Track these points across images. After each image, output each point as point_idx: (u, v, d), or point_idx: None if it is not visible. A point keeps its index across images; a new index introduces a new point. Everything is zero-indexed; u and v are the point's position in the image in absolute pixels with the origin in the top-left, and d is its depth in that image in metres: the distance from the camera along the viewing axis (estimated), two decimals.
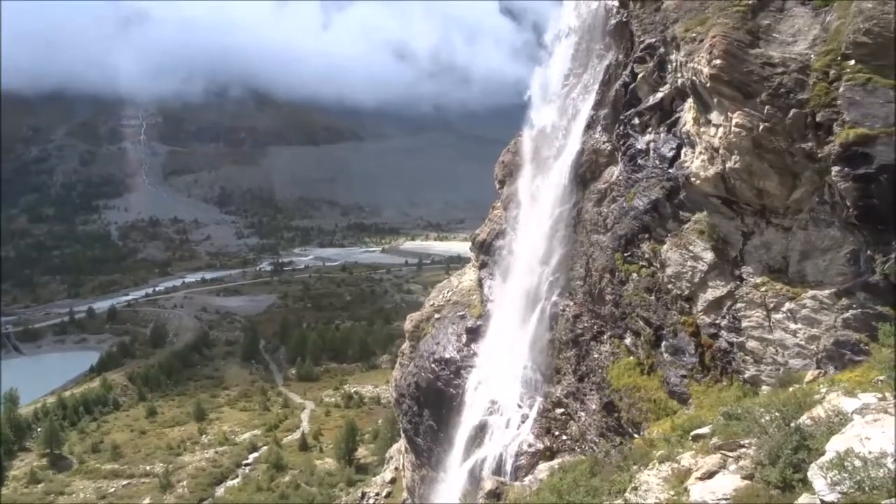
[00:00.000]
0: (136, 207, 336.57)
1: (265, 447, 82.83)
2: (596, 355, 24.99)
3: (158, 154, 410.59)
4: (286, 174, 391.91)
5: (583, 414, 25.36)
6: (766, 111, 16.69)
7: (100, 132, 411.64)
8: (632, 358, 23.06)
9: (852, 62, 15.77)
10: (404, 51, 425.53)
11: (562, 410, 26.80)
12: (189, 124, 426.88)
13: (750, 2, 18.11)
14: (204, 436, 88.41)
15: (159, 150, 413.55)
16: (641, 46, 22.11)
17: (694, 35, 18.76)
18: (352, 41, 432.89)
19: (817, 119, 15.98)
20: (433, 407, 34.42)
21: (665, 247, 21.02)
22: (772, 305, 17.70)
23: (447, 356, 34.02)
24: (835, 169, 15.52)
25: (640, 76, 22.31)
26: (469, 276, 40.04)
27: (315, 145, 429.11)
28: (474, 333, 33.74)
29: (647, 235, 22.00)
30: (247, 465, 78.51)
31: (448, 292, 40.41)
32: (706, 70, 17.68)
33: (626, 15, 23.65)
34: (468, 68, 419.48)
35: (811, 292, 16.81)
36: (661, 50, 21.12)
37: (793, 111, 16.35)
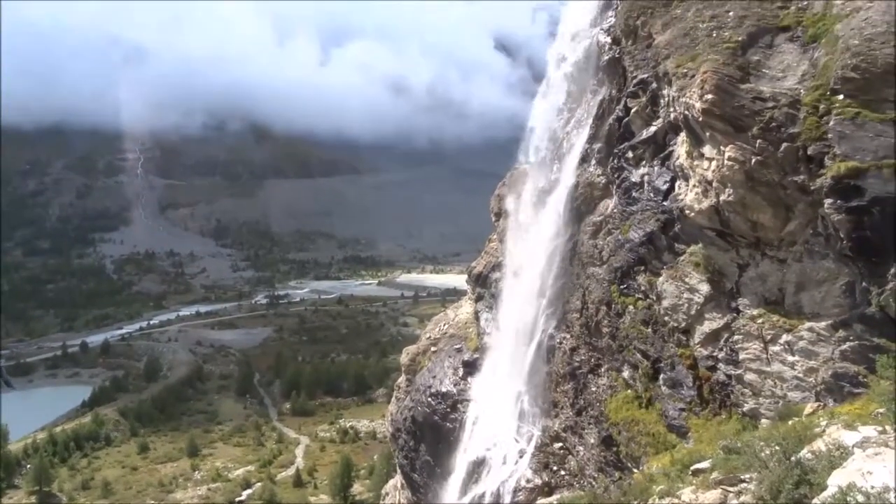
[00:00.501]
0: (132, 241, 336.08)
1: (259, 483, 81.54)
2: (594, 388, 24.80)
3: (155, 187, 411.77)
4: (283, 207, 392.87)
5: (581, 448, 25.06)
6: (757, 145, 16.91)
7: (97, 166, 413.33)
8: (630, 391, 22.88)
9: (841, 97, 16.06)
10: (401, 86, 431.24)
11: (560, 445, 26.49)
12: (187, 158, 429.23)
13: (739, 39, 18.50)
14: (197, 472, 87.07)
15: (156, 183, 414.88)
16: (634, 82, 22.45)
17: (685, 71, 19.09)
18: (350, 76, 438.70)
19: (809, 152, 16.19)
20: (430, 442, 34.00)
21: (661, 279, 21.05)
22: (769, 337, 17.67)
23: (444, 390, 33.72)
24: (827, 201, 15.67)
25: (633, 111, 22.61)
26: (465, 308, 39.94)
27: (311, 178, 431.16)
28: (471, 367, 33.51)
29: (642, 268, 22.04)
30: (240, 501, 77.20)
31: (444, 325, 40.25)
32: (698, 104, 17.95)
33: (618, 51, 24.08)
34: (464, 103, 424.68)
35: (808, 324, 16.81)
36: (654, 85, 21.45)
37: (784, 145, 16.57)
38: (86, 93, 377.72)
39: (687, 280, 20.05)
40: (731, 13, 19.58)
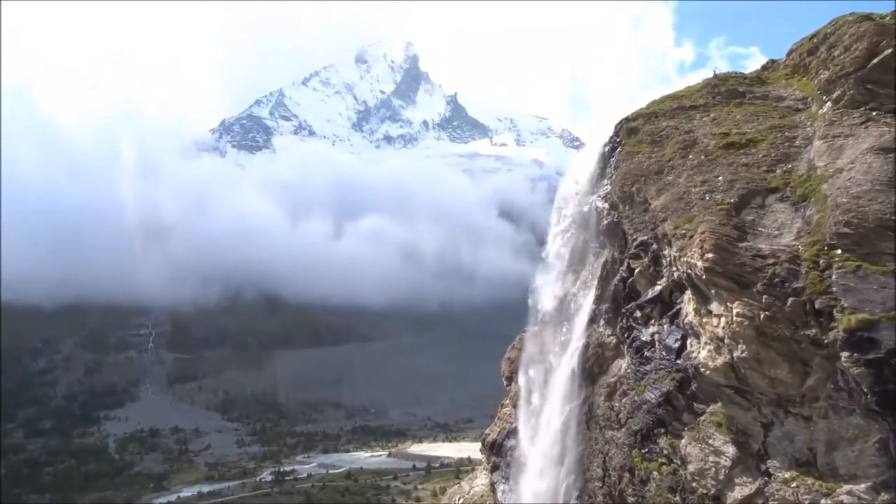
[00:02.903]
0: (137, 417, 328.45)
1: None
2: None
3: (164, 362, 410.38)
4: (291, 377, 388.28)
5: None
6: (764, 300, 17.01)
7: (108, 342, 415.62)
8: None
9: (839, 251, 16.46)
10: (412, 253, 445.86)
11: None
12: (198, 330, 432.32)
13: (732, 200, 19.38)
14: None
15: (165, 357, 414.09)
16: (635, 243, 23.15)
17: (683, 232, 19.76)
18: (362, 247, 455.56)
19: (816, 306, 16.24)
20: None
21: (683, 441, 20.14)
22: (806, 503, 16.50)
23: None
24: (843, 355, 15.42)
25: (636, 271, 23.07)
26: (480, 479, 37.92)
27: (320, 347, 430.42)
28: None
29: (663, 430, 21.19)
30: None
31: (459, 499, 37.99)
32: (700, 263, 18.34)
33: (616, 216, 25.10)
34: (472, 267, 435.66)
35: (846, 487, 15.78)
36: (654, 246, 22.09)
37: (790, 299, 16.67)
38: (106, 271, 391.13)
39: (711, 442, 19.17)
40: (720, 178, 20.70)
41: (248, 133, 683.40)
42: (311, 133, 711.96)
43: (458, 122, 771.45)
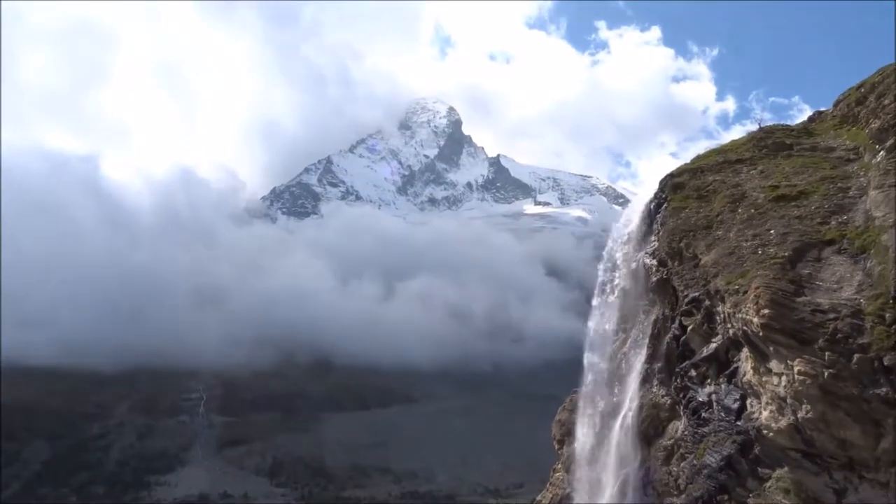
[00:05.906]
0: (187, 482, 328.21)
1: None
2: None
3: (215, 426, 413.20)
4: (338, 441, 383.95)
5: None
6: (827, 357, 16.27)
7: (160, 406, 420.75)
8: None
9: None
10: (461, 313, 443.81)
11: None
12: (247, 394, 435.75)
13: (785, 254, 18.84)
14: None
15: (216, 421, 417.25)
16: (686, 300, 22.58)
17: (737, 287, 19.22)
18: (412, 307, 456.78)
19: (885, 363, 15.44)
20: None
21: None
22: None
23: None
24: None
25: (689, 328, 22.41)
26: None
27: (367, 409, 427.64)
28: None
29: (726, 496, 20.05)
30: None
31: None
32: (756, 320, 17.73)
33: (665, 272, 24.61)
34: (521, 326, 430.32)
35: None
36: (707, 302, 21.50)
37: (856, 356, 15.89)
38: (162, 335, 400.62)
39: None
40: (772, 231, 20.21)
41: (298, 200, 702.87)
42: (358, 198, 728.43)
43: (502, 183, 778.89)
